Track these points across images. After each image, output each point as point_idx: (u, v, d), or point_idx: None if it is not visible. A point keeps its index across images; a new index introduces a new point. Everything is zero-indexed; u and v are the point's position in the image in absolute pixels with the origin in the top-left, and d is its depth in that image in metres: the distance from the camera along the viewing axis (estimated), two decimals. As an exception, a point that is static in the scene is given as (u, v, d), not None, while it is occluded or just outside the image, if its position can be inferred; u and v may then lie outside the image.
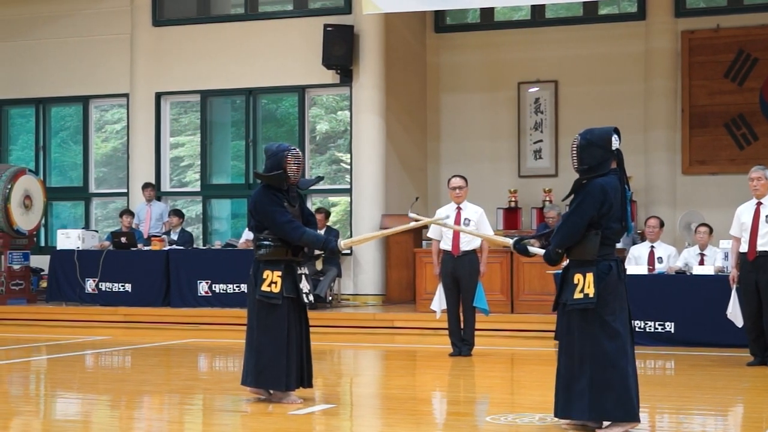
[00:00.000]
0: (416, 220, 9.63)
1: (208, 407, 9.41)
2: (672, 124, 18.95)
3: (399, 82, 19.19)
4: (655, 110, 18.99)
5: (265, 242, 8.89)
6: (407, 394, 9.90)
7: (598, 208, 7.47)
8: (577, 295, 7.47)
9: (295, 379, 8.92)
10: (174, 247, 17.90)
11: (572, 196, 7.67)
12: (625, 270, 7.74)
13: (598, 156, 7.55)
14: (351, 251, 18.06)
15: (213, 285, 17.24)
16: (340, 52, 18.37)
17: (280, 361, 8.81)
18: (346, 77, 18.69)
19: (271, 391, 8.96)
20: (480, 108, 20.12)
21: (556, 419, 7.86)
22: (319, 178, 9.88)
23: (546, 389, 10.65)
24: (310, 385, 9.04)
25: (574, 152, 7.63)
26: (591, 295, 7.42)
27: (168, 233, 18.39)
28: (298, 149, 9.12)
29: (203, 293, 17.29)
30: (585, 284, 7.45)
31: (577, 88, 19.61)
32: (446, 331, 12.91)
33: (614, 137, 7.60)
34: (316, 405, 8.80)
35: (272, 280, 8.82)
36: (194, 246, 18.57)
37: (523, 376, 11.99)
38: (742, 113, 18.65)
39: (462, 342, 12.71)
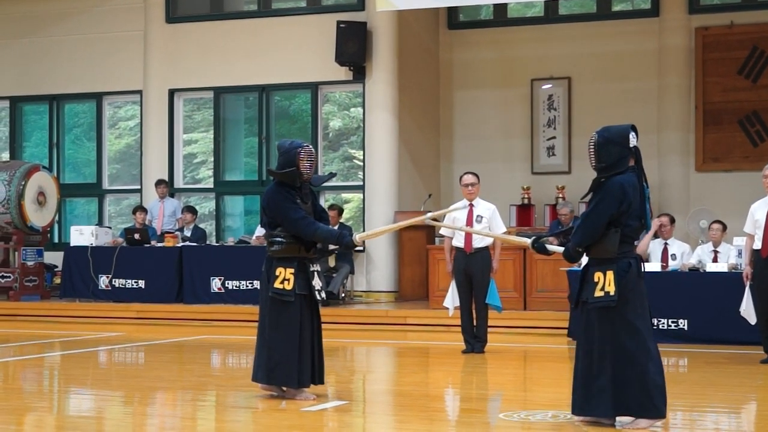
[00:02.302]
0: (435, 219, 9.60)
1: (221, 404, 9.41)
2: (685, 122, 18.91)
3: (412, 79, 19.18)
4: (668, 107, 18.96)
5: (278, 239, 8.87)
6: (420, 391, 9.90)
7: (618, 206, 7.50)
8: (598, 293, 7.51)
9: (308, 376, 8.92)
10: (187, 243, 17.92)
11: (591, 194, 7.68)
12: (644, 267, 7.76)
13: (615, 153, 7.59)
14: (364, 247, 18.06)
15: (226, 281, 17.26)
16: (353, 48, 18.37)
17: (292, 357, 8.80)
18: (359, 74, 18.69)
19: (284, 388, 8.96)
20: (493, 105, 20.11)
21: (571, 416, 7.85)
22: (332, 175, 9.86)
23: (559, 386, 10.64)
24: (321, 381, 9.03)
25: (592, 150, 7.67)
26: (612, 293, 7.46)
27: (181, 230, 18.42)
28: (311, 146, 9.09)
29: (216, 290, 17.32)
30: (605, 282, 7.48)
31: (591, 85, 19.59)
32: (459, 328, 12.89)
33: (632, 134, 7.64)
34: (328, 402, 8.80)
35: (285, 277, 8.80)
36: (207, 242, 18.59)
37: (536, 373, 11.97)
38: (756, 110, 18.61)
39: (475, 339, 12.69)
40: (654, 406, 7.49)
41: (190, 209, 18.73)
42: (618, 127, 7.75)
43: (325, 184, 19.44)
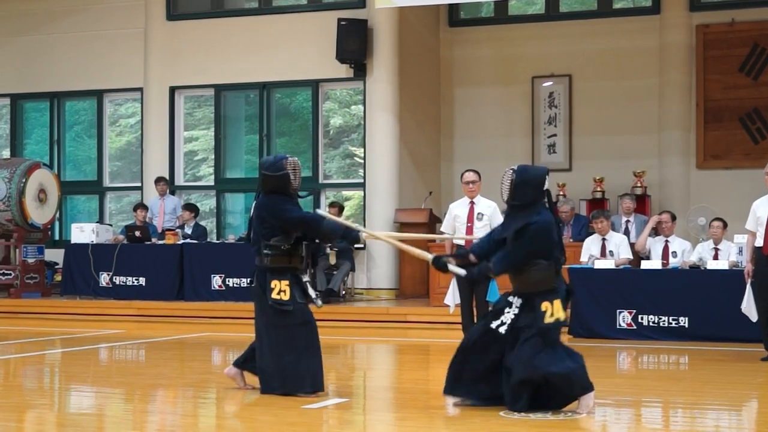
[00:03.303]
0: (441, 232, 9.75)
1: (221, 401, 9.42)
2: (686, 119, 18.92)
3: (412, 76, 19.18)
4: (669, 105, 18.96)
5: (271, 250, 8.90)
6: (420, 388, 9.90)
7: (546, 244, 8.12)
8: (548, 320, 8.09)
9: (321, 380, 8.93)
10: (188, 241, 17.93)
11: (511, 230, 8.20)
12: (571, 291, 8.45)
13: (530, 195, 8.20)
14: (365, 245, 18.04)
15: (227, 279, 17.28)
16: (354, 46, 18.37)
17: (300, 365, 8.83)
18: (360, 71, 18.69)
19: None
20: (494, 102, 20.12)
21: (572, 414, 7.89)
22: (305, 195, 9.81)
23: (559, 384, 10.63)
24: (322, 388, 9.05)
25: (507, 186, 8.24)
26: (562, 319, 8.15)
27: (182, 227, 18.42)
28: (294, 158, 9.12)
29: (217, 287, 17.33)
30: (554, 309, 8.09)
31: (592, 82, 19.59)
32: (459, 326, 12.88)
33: (546, 178, 8.27)
34: (329, 399, 8.80)
35: (281, 289, 8.87)
36: (208, 240, 18.59)
37: (536, 370, 11.95)
38: (757, 107, 18.61)
39: (475, 336, 12.66)
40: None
41: (190, 207, 18.74)
42: (535, 170, 8.37)
43: (326, 181, 19.53)
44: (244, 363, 9.32)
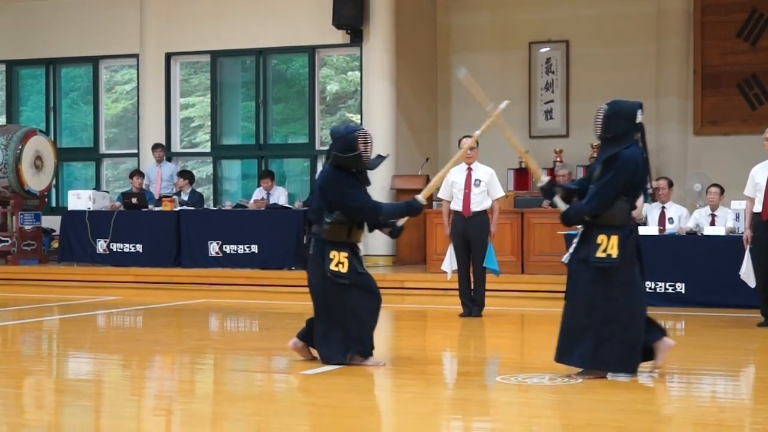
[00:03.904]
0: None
1: (219, 367, 9.44)
2: (684, 85, 18.87)
3: (409, 42, 19.11)
4: (666, 71, 18.90)
5: (332, 222, 8.78)
6: (418, 355, 9.92)
7: (631, 179, 8.00)
8: (600, 254, 7.94)
9: (369, 347, 8.92)
10: (184, 207, 17.91)
11: (600, 165, 8.08)
12: (638, 233, 8.25)
13: (622, 127, 8.04)
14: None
15: (224, 245, 17.27)
16: (351, 12, 18.29)
17: (361, 331, 8.82)
18: (357, 37, 18.61)
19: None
20: (491, 69, 20.04)
21: (568, 379, 7.92)
22: (384, 157, 9.63)
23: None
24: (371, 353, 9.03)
25: (599, 120, 8.09)
26: (614, 256, 7.91)
27: (178, 194, 18.40)
28: (366, 129, 9.01)
29: (214, 254, 17.33)
30: (609, 245, 7.92)
31: (589, 48, 19.53)
32: (456, 292, 12.91)
33: (639, 111, 8.09)
34: (327, 365, 8.81)
35: (339, 261, 8.74)
36: (205, 207, 18.58)
37: (533, 336, 12.01)
38: (755, 73, 18.57)
39: (472, 302, 12.71)
40: (630, 363, 8.02)
41: (186, 174, 18.71)
42: (627, 103, 8.21)
43: (322, 147, 19.48)
44: (305, 337, 9.09)
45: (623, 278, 7.97)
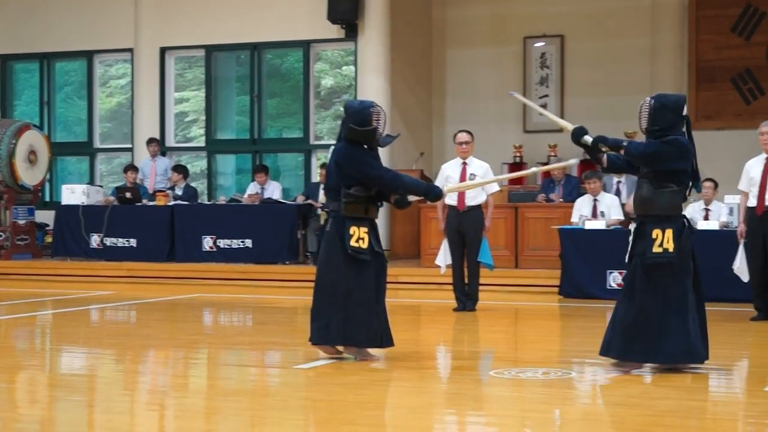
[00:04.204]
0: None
1: (212, 362, 9.43)
2: (678, 80, 18.86)
3: (404, 36, 19.08)
4: (661, 65, 18.90)
5: (350, 198, 8.71)
6: (411, 349, 9.91)
7: (679, 159, 8.08)
8: (656, 249, 8.00)
9: (389, 335, 8.83)
10: (179, 202, 17.89)
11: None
12: (691, 225, 8.34)
13: (669, 119, 8.11)
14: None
15: (218, 240, 17.26)
16: (345, 6, 18.26)
17: (371, 317, 8.69)
18: (352, 32, 18.58)
19: (341, 349, 8.87)
20: (485, 63, 20.04)
21: (560, 373, 7.91)
22: (396, 136, 9.63)
23: (550, 344, 10.70)
24: (391, 343, 8.91)
25: (646, 113, 8.14)
26: (671, 251, 7.99)
27: (173, 188, 18.38)
28: (380, 106, 9.00)
29: (208, 248, 17.31)
30: (664, 239, 7.99)
31: (584, 42, 19.51)
32: (451, 286, 12.91)
33: (685, 105, 8.23)
34: (320, 360, 8.80)
35: (359, 236, 8.65)
36: (199, 201, 18.56)
37: (526, 330, 12.01)
38: (749, 68, 18.56)
39: (466, 297, 12.71)
40: (695, 352, 8.11)
41: (180, 168, 18.69)
42: (673, 95, 8.37)
43: (317, 142, 19.49)
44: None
45: (678, 271, 8.06)
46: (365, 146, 8.82)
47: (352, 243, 8.64)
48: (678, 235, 8.00)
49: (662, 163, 8.11)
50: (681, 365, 8.15)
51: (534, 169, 10.66)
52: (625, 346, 8.11)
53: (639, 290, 8.08)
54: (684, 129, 8.19)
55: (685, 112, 8.16)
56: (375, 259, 8.77)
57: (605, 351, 8.27)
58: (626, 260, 8.33)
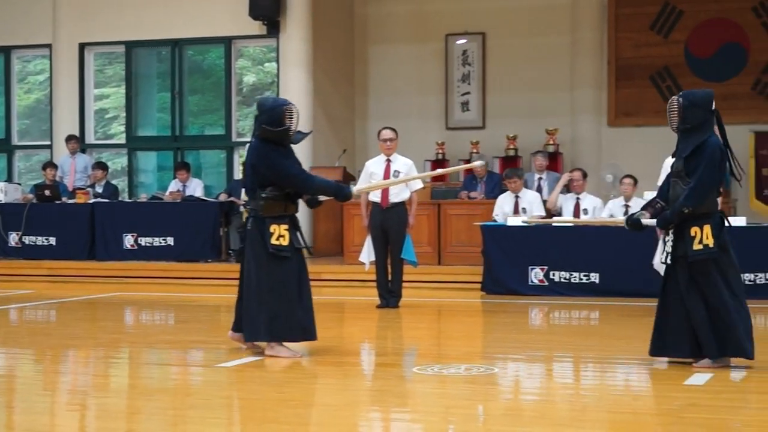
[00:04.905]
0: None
1: (134, 361, 9.35)
2: (598, 77, 19.06)
3: (326, 33, 19.06)
4: (581, 63, 19.08)
5: (267, 197, 8.80)
6: (335, 346, 9.91)
7: (723, 162, 8.13)
8: (697, 247, 8.03)
9: (312, 329, 8.94)
10: (99, 199, 17.71)
11: (686, 156, 8.17)
12: (728, 221, 8.35)
13: (700, 116, 8.17)
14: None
15: (139, 238, 17.11)
16: (267, 2, 18.19)
17: (293, 313, 8.80)
18: (273, 28, 18.51)
19: (266, 345, 8.93)
20: (408, 60, 20.09)
21: (484, 369, 7.93)
22: (308, 133, 9.71)
23: (473, 340, 10.75)
24: (314, 337, 9.02)
25: (675, 112, 8.22)
26: (711, 246, 8.01)
27: (93, 186, 18.19)
28: (293, 104, 9.05)
29: (129, 246, 17.16)
30: (703, 236, 8.02)
31: (505, 40, 19.64)
32: (374, 283, 12.92)
33: (713, 100, 8.23)
34: (243, 357, 8.77)
35: (280, 234, 8.77)
36: (120, 199, 18.39)
37: (450, 327, 12.05)
38: (667, 65, 18.81)
39: (390, 294, 12.73)
40: (747, 347, 8.07)
41: (100, 165, 18.51)
42: (702, 92, 8.35)
43: (239, 139, 19.39)
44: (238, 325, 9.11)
45: (722, 266, 8.05)
46: (279, 145, 8.86)
47: (273, 241, 8.76)
48: (718, 230, 8.04)
49: (712, 191, 8.17)
50: (747, 358, 8.14)
51: (428, 173, 10.70)
52: (676, 344, 8.20)
53: (685, 290, 8.11)
54: (715, 124, 8.23)
55: (714, 106, 8.20)
56: (296, 255, 8.87)
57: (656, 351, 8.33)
58: (663, 262, 8.34)
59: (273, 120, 8.86)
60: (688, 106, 8.17)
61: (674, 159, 8.39)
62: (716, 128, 8.25)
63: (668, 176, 8.47)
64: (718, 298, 8.02)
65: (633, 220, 8.54)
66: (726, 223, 8.18)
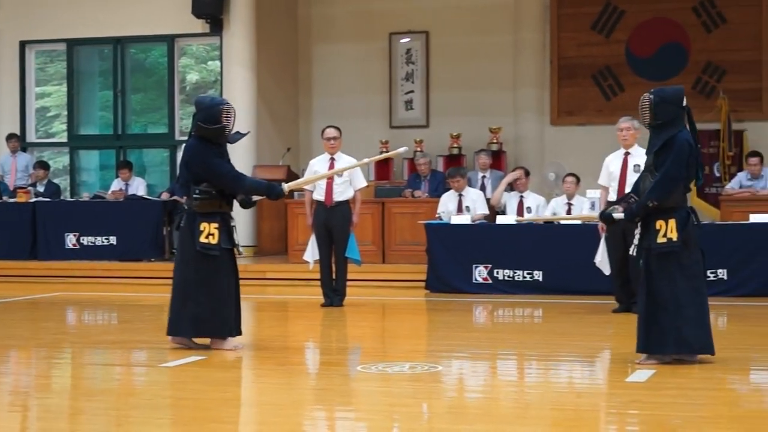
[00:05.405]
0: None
1: (76, 361, 9.28)
2: (541, 76, 19.16)
3: (270, 32, 19.02)
4: (524, 62, 19.17)
5: (200, 194, 8.91)
6: (279, 345, 9.90)
7: (687, 161, 8.17)
8: (661, 240, 8.10)
9: (235, 326, 9.10)
10: (41, 199, 17.56)
11: (654, 150, 8.23)
12: (698, 217, 8.37)
13: (671, 112, 8.23)
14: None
15: (81, 237, 16.99)
16: (210, 0, 18.11)
17: (221, 310, 8.92)
18: (216, 27, 18.45)
19: (210, 340, 9.05)
20: (351, 59, 20.08)
21: (427, 367, 7.96)
22: (246, 133, 9.76)
23: (417, 338, 10.77)
24: (239, 332, 9.18)
25: (646, 110, 8.25)
26: (675, 240, 8.08)
27: (34, 185, 18.03)
28: (230, 103, 9.12)
29: (71, 246, 17.03)
30: (668, 229, 8.10)
31: (449, 38, 19.68)
32: (318, 282, 12.91)
33: (684, 96, 8.31)
34: (187, 357, 8.74)
35: (209, 232, 8.87)
36: (62, 198, 18.24)
37: (394, 325, 12.08)
38: (608, 65, 18.94)
39: (334, 292, 12.73)
40: (710, 344, 8.17)
41: (42, 164, 18.37)
42: (672, 88, 8.45)
43: (182, 138, 19.27)
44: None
45: (686, 261, 8.10)
46: (214, 144, 8.95)
47: (202, 239, 8.88)
48: (682, 225, 8.10)
49: (678, 183, 8.22)
50: (697, 357, 8.18)
51: (366, 159, 10.89)
52: (646, 341, 8.17)
53: (650, 283, 8.15)
54: (686, 121, 8.30)
55: (685, 102, 8.28)
56: (226, 254, 8.98)
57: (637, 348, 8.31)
58: (633, 253, 8.40)
59: (209, 118, 8.95)
60: (658, 103, 8.25)
61: (646, 154, 8.51)
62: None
63: (642, 171, 8.59)
64: (670, 292, 8.07)
65: (606, 215, 8.67)
66: (694, 221, 8.23)
